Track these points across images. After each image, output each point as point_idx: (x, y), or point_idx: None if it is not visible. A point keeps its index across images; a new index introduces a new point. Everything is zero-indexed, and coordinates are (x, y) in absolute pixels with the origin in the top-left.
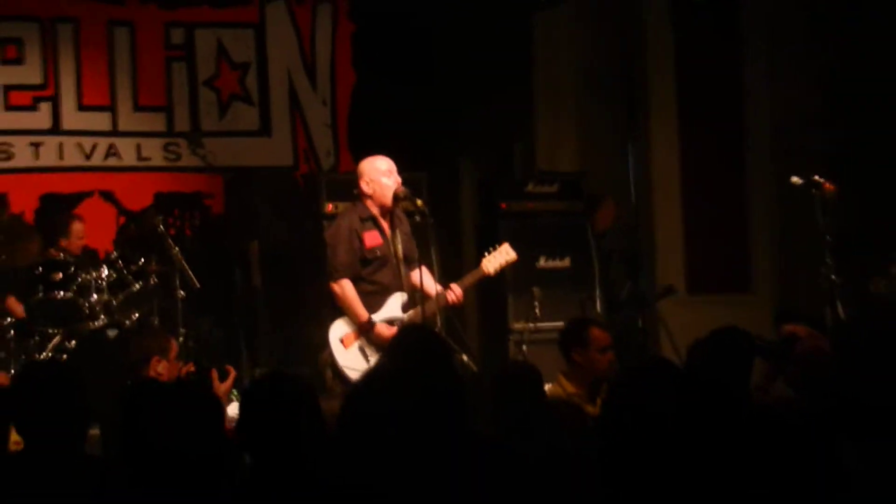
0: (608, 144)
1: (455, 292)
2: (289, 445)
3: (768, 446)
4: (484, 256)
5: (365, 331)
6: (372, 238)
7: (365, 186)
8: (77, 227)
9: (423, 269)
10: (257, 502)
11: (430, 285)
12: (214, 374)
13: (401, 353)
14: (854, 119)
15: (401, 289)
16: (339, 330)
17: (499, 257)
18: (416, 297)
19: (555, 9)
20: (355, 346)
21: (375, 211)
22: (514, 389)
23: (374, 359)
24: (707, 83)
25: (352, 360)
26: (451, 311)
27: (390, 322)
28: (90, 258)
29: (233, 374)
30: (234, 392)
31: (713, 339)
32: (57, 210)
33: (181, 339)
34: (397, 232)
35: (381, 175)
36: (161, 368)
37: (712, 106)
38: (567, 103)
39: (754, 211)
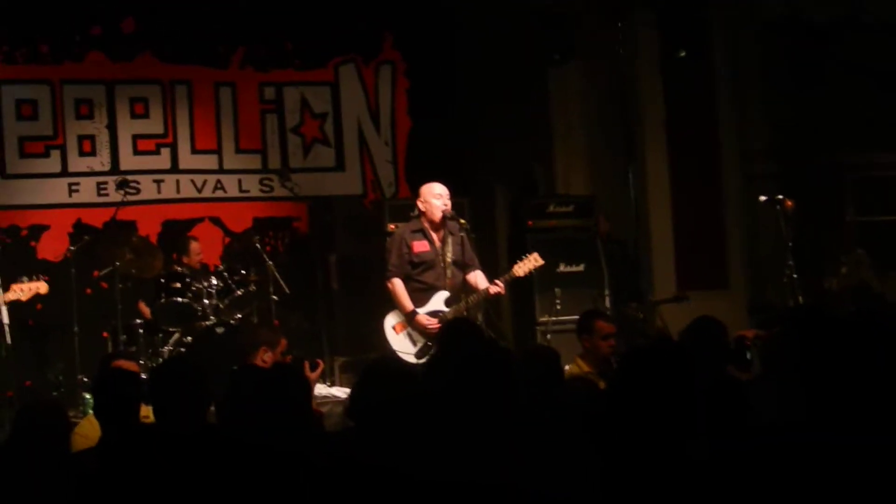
0: (612, 171)
1: (498, 285)
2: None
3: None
4: (515, 263)
5: (409, 320)
6: (420, 245)
7: (420, 205)
8: (195, 246)
9: (479, 273)
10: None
11: (481, 284)
12: (306, 364)
13: (446, 337)
14: (803, 149)
15: (445, 287)
16: (391, 320)
17: (528, 263)
18: (460, 294)
19: (566, 65)
20: (404, 332)
21: (427, 225)
22: (538, 366)
23: (420, 343)
24: (689, 120)
25: (402, 344)
26: (490, 306)
27: (432, 314)
28: (203, 271)
29: (321, 365)
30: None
31: (695, 325)
32: (175, 233)
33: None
34: (448, 242)
35: (433, 197)
36: (267, 358)
37: (694, 139)
38: (579, 139)
39: (729, 223)
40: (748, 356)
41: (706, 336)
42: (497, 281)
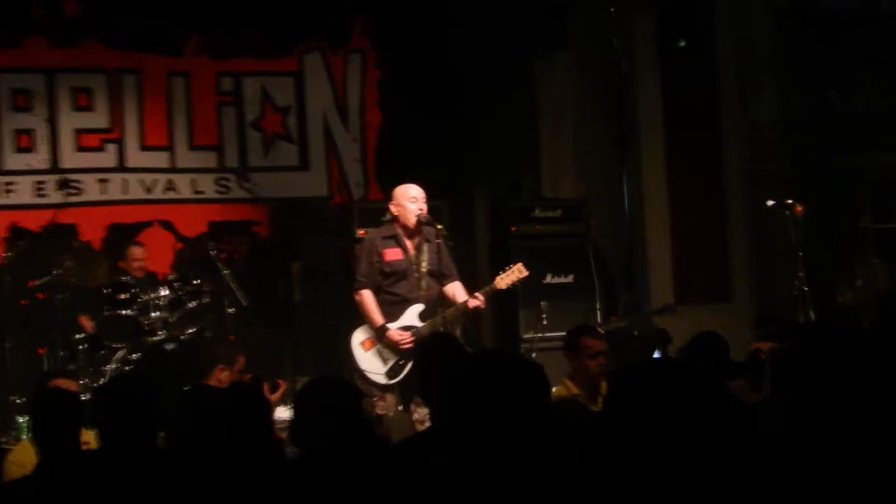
0: (604, 173)
1: (478, 299)
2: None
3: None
4: (498, 274)
5: (380, 336)
6: (392, 253)
7: (393, 208)
8: (135, 251)
9: (458, 284)
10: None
11: (460, 297)
12: (266, 385)
13: (424, 356)
14: (815, 149)
15: (419, 300)
16: (360, 335)
17: (512, 275)
18: (437, 308)
19: (555, 56)
20: (374, 349)
21: (400, 231)
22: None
23: (391, 361)
24: (689, 117)
25: (371, 362)
26: (469, 321)
27: (405, 329)
28: (151, 280)
29: (283, 386)
30: None
31: (695, 342)
32: (121, 238)
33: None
34: (424, 250)
35: (407, 200)
36: (223, 377)
37: (694, 137)
38: (567, 137)
39: (733, 229)
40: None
41: (707, 353)
42: (477, 294)
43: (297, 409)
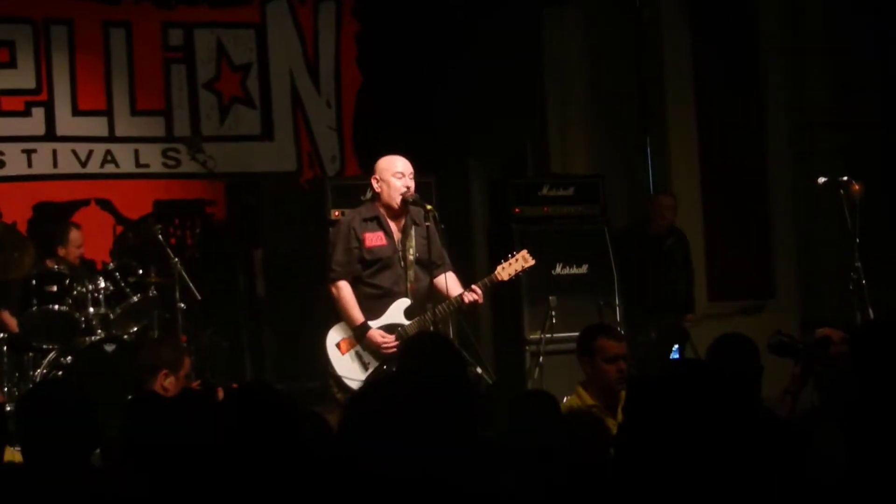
0: (624, 146)
1: (476, 292)
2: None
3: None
4: (499, 264)
5: (359, 336)
6: (373, 238)
7: (374, 185)
8: (75, 235)
9: (451, 275)
10: None
11: (454, 290)
12: (220, 392)
13: (409, 360)
14: (873, 118)
15: (405, 294)
16: (335, 336)
17: (515, 264)
18: (426, 303)
19: (564, 4)
20: (352, 352)
21: (383, 212)
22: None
23: (372, 366)
24: (725, 81)
25: (348, 367)
26: (463, 318)
27: (389, 329)
28: (87, 269)
29: None
30: None
31: (718, 346)
32: (51, 220)
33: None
34: (411, 234)
35: (391, 175)
36: (168, 383)
37: (731, 105)
38: (580, 104)
39: (777, 213)
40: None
41: (731, 359)
42: (474, 286)
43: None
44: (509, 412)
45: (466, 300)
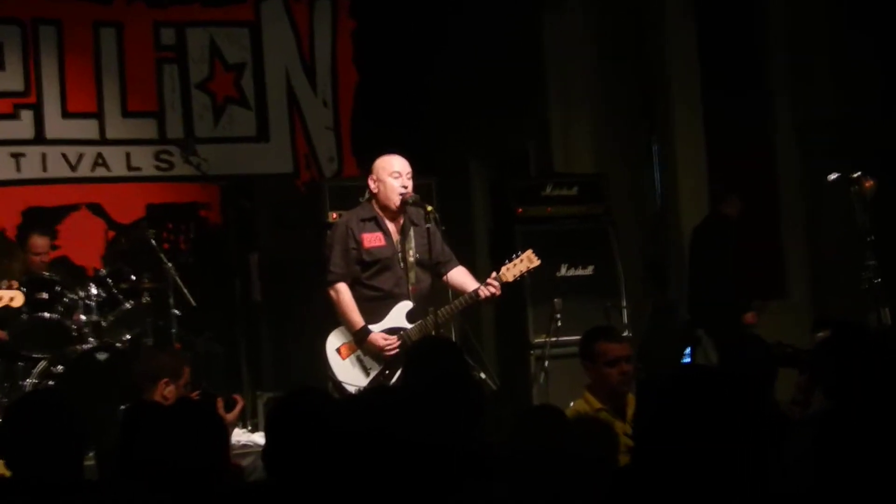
0: (629, 144)
1: (493, 285)
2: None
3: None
4: (503, 265)
5: (359, 340)
6: (372, 239)
7: (372, 184)
8: (37, 242)
9: (461, 269)
10: None
11: (469, 284)
12: (220, 402)
13: (415, 366)
14: (886, 112)
15: (406, 296)
16: (335, 341)
17: (519, 265)
18: (428, 306)
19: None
20: (352, 357)
21: (381, 212)
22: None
23: (374, 371)
24: (732, 75)
25: (350, 373)
26: (466, 323)
27: (391, 332)
28: (78, 276)
29: (240, 403)
30: None
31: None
32: (41, 225)
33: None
34: (410, 235)
35: (388, 175)
36: (168, 393)
37: (738, 100)
38: (582, 98)
39: (787, 210)
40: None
41: (744, 362)
42: (490, 280)
43: (271, 432)
44: (514, 429)
45: (483, 295)
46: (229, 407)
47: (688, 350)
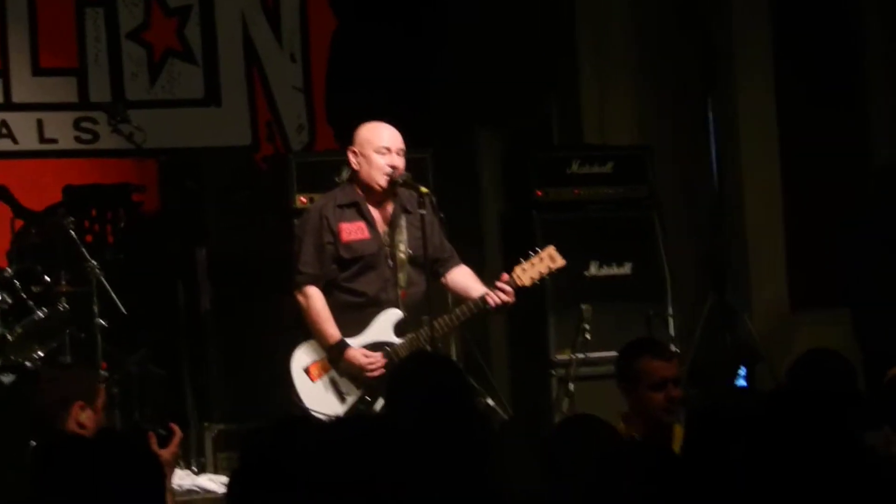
0: (679, 110)
1: (504, 290)
2: None
3: None
4: (518, 264)
5: (334, 358)
6: (352, 230)
7: (353, 158)
8: None
9: (464, 269)
10: None
11: (474, 289)
12: (152, 437)
13: (401, 391)
14: None
15: (394, 303)
16: (303, 358)
17: (539, 265)
18: (422, 315)
19: None
20: (325, 379)
21: (363, 196)
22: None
23: (352, 397)
24: (813, 28)
25: (321, 399)
26: (469, 334)
27: (374, 348)
28: None
29: (178, 435)
30: None
31: (803, 364)
32: None
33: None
34: (400, 226)
35: (373, 150)
36: (85, 419)
37: (821, 59)
38: (620, 54)
39: None
40: None
41: (820, 381)
42: (500, 283)
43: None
44: (542, 454)
45: (492, 302)
46: (164, 441)
47: (743, 370)
